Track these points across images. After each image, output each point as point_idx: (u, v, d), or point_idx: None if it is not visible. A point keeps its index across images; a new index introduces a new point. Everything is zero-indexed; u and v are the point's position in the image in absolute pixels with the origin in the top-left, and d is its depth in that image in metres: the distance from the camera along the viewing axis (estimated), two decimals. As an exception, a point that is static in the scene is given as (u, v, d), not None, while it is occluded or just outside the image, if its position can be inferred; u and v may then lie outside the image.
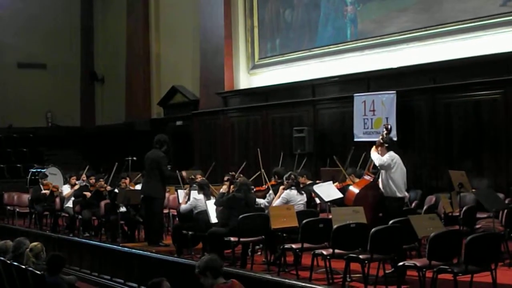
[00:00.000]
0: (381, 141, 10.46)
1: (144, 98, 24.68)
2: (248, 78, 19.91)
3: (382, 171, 10.35)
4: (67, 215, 16.14)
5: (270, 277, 9.22)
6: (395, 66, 15.15)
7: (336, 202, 11.38)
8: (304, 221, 9.83)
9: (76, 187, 15.98)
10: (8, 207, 18.43)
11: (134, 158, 16.75)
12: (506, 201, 11.82)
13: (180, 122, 22.45)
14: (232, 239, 10.68)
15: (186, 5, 22.66)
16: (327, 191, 11.57)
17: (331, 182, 12.15)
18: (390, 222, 9.11)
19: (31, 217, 17.50)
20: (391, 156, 10.26)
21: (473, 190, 11.37)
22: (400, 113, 14.45)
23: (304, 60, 17.97)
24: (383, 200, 10.36)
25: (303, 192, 11.55)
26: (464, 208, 10.68)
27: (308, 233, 9.74)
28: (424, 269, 8.18)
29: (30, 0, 26.68)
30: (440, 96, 14.28)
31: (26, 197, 18.02)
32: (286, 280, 8.89)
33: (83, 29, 28.75)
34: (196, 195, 12.31)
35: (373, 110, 14.92)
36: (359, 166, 12.90)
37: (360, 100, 15.24)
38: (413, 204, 12.95)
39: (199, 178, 13.38)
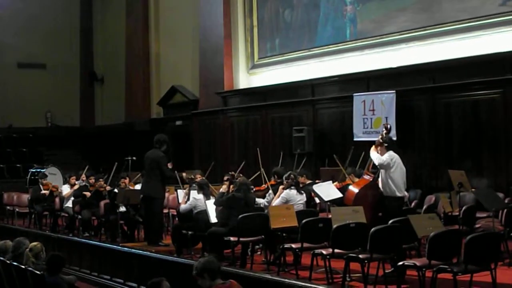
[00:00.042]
0: (381, 140, 10.45)
1: (143, 98, 24.68)
2: (247, 78, 19.91)
3: (382, 171, 10.35)
4: (66, 215, 16.13)
5: (270, 277, 9.22)
6: (394, 65, 15.16)
7: (335, 202, 11.38)
8: (304, 221, 9.83)
9: (76, 187, 15.97)
10: (8, 207, 18.44)
11: (134, 158, 16.77)
12: (506, 201, 11.82)
13: (179, 122, 22.45)
14: (231, 239, 10.67)
15: (186, 5, 22.66)
16: (327, 190, 11.57)
17: (330, 181, 12.15)
18: (390, 221, 9.10)
19: (31, 217, 17.50)
20: (390, 156, 10.26)
21: (473, 189, 11.36)
22: (400, 112, 14.46)
23: (303, 60, 17.97)
24: (382, 199, 10.35)
25: (302, 191, 11.55)
26: (463, 208, 10.69)
27: (307, 232, 9.74)
28: (423, 269, 8.17)
29: (30, 0, 26.68)
30: (439, 95, 14.28)
31: (25, 197, 18.03)
32: (286, 280, 8.89)
33: (83, 29, 28.76)
34: (196, 195, 12.31)
35: (373, 110, 14.92)
36: (358, 165, 12.91)
37: (360, 99, 15.25)
38: (413, 204, 12.95)
39: (198, 178, 13.40)
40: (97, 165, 20.24)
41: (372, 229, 8.65)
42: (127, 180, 15.13)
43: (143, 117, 24.33)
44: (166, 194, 14.61)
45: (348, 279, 9.22)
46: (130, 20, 25.44)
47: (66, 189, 16.35)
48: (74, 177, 16.47)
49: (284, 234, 10.50)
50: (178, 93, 22.46)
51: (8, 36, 25.79)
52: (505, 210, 10.70)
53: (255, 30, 19.55)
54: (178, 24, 23.11)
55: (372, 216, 10.03)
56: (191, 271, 6.53)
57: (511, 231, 10.43)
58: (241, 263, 10.88)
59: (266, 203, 11.93)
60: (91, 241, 14.02)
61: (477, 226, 11.14)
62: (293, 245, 9.95)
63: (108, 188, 15.35)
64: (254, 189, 12.66)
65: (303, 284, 8.56)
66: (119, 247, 12.78)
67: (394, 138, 12.62)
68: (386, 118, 14.44)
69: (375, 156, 10.37)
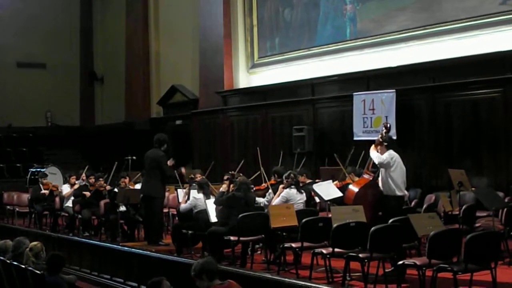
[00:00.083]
0: (380, 139, 10.45)
1: (143, 98, 24.69)
2: (247, 77, 19.91)
3: (382, 170, 10.35)
4: (66, 214, 16.12)
5: (270, 276, 9.22)
6: (394, 65, 15.16)
7: (335, 201, 11.37)
8: (304, 220, 9.82)
9: (76, 186, 15.97)
10: (8, 207, 18.44)
11: (134, 158, 16.78)
12: (506, 200, 11.82)
13: (179, 121, 22.45)
14: (231, 238, 10.67)
15: (185, 4, 22.66)
16: (327, 190, 11.57)
17: (330, 181, 12.15)
18: (390, 221, 9.10)
19: (31, 216, 17.50)
20: (390, 155, 10.26)
21: (473, 188, 11.37)
22: (400, 112, 14.46)
23: (303, 59, 17.97)
24: (382, 198, 10.35)
25: (302, 191, 11.55)
26: (463, 207, 10.69)
27: (307, 232, 9.74)
28: (423, 268, 8.17)
29: (30, 0, 26.67)
30: (439, 95, 14.28)
31: (25, 196, 18.02)
32: (286, 279, 8.89)
33: (83, 29, 28.76)
34: (196, 194, 12.30)
35: (373, 109, 14.93)
36: (358, 164, 12.91)
37: (360, 99, 15.25)
38: (413, 203, 12.95)
39: (198, 177, 13.40)
40: (97, 165, 20.24)
41: (372, 228, 8.65)
42: (127, 180, 15.14)
43: (143, 116, 24.33)
44: (166, 194, 14.61)
45: (348, 278, 9.22)
46: (130, 19, 25.44)
47: (66, 189, 16.34)
48: (74, 177, 16.47)
49: (284, 234, 10.49)
50: (178, 92, 22.47)
51: (8, 35, 25.76)
52: (505, 209, 10.69)
53: (255, 29, 19.55)
54: (178, 24, 23.12)
55: (372, 215, 10.04)
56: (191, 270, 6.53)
57: (511, 230, 10.42)
58: (241, 263, 10.88)
59: (266, 202, 11.93)
60: (91, 241, 14.02)
61: (477, 225, 11.13)
62: (293, 245, 9.95)
63: (108, 187, 15.35)
64: (254, 188, 12.66)
65: (303, 283, 8.57)
66: (119, 247, 12.78)
67: (394, 137, 12.61)
68: (386, 117, 14.44)
69: (375, 155, 10.37)
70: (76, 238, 14.62)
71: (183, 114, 22.06)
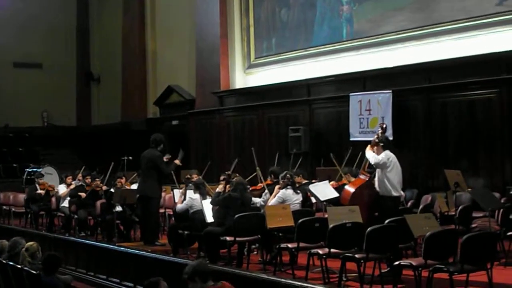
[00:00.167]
0: (376, 140, 10.46)
1: (140, 98, 24.69)
2: (244, 78, 19.91)
3: (378, 170, 10.36)
4: (63, 214, 16.11)
5: (266, 277, 9.19)
6: (390, 65, 15.16)
7: (332, 202, 11.37)
8: (300, 221, 9.83)
9: (72, 186, 15.96)
10: (4, 207, 18.42)
11: (130, 158, 16.76)
12: (502, 200, 11.80)
13: (176, 121, 22.46)
14: (228, 238, 10.67)
15: (182, 4, 22.65)
16: (323, 190, 11.56)
17: (327, 181, 12.15)
18: (386, 221, 9.11)
19: (27, 216, 17.48)
20: (386, 155, 10.27)
21: (469, 189, 11.37)
22: (396, 112, 14.47)
23: (300, 59, 17.97)
24: (378, 199, 10.36)
25: (299, 191, 11.56)
26: (460, 208, 10.69)
27: (304, 232, 9.74)
28: (420, 268, 8.18)
29: (26, 1, 26.64)
30: (435, 95, 14.29)
31: (22, 196, 17.99)
32: (282, 280, 8.86)
33: (79, 28, 28.78)
34: (192, 195, 12.31)
35: (369, 110, 14.93)
36: (355, 165, 12.91)
37: (356, 99, 15.25)
38: (409, 204, 12.96)
39: (195, 177, 13.39)
40: (93, 165, 20.20)
41: (368, 229, 8.65)
42: (123, 180, 15.14)
43: (140, 116, 24.32)
44: (163, 194, 14.61)
45: (344, 279, 9.23)
46: (126, 19, 25.43)
47: (62, 189, 16.33)
48: (70, 177, 16.46)
49: (280, 234, 10.50)
50: (175, 92, 22.47)
51: (4, 36, 25.73)
52: (501, 210, 10.71)
53: (252, 29, 19.55)
54: (174, 24, 23.11)
55: (368, 215, 10.05)
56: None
57: (507, 231, 10.42)
58: (237, 263, 10.88)
59: (262, 203, 11.94)
60: (87, 241, 13.98)
61: (473, 225, 11.15)
62: (289, 245, 9.96)
63: (104, 187, 15.34)
64: (250, 189, 12.66)
65: (299, 284, 8.54)
66: (115, 247, 12.74)
67: (390, 138, 12.64)
68: (383, 117, 14.45)
69: (371, 155, 10.38)
70: (72, 238, 14.57)
71: (179, 115, 22.06)
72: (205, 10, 20.57)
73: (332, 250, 9.09)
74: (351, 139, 15.15)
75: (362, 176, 10.88)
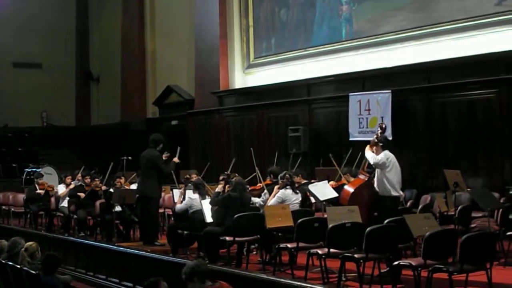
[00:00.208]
0: (376, 140, 10.46)
1: (139, 98, 24.68)
2: (243, 78, 19.91)
3: (377, 170, 10.36)
4: (62, 214, 16.10)
5: (265, 277, 9.20)
6: (390, 65, 15.16)
7: (331, 201, 11.37)
8: (299, 221, 9.83)
9: (71, 186, 15.95)
10: (3, 207, 18.39)
11: (129, 158, 16.75)
12: (501, 200, 11.81)
13: (175, 121, 22.46)
14: (227, 238, 10.67)
15: (181, 5, 22.65)
16: (323, 190, 11.56)
17: (326, 181, 12.15)
18: (385, 221, 9.11)
19: (26, 216, 17.47)
20: (386, 155, 10.27)
21: (468, 189, 11.38)
22: (395, 112, 14.47)
23: (299, 59, 17.97)
24: (378, 199, 10.36)
25: (298, 191, 11.56)
26: (459, 208, 10.69)
27: (303, 232, 9.74)
28: (419, 268, 8.19)
29: (26, 1, 26.62)
30: (435, 95, 14.29)
31: (21, 196, 17.97)
32: (281, 280, 8.87)
33: (79, 28, 28.75)
34: (191, 195, 12.30)
35: (368, 110, 14.93)
36: (354, 165, 12.90)
37: (355, 99, 15.25)
38: (408, 204, 12.97)
39: (194, 177, 13.38)
40: (92, 165, 20.20)
41: (368, 229, 8.65)
42: (122, 180, 15.13)
43: (139, 116, 24.32)
44: (162, 194, 14.60)
45: (343, 279, 9.23)
46: (125, 19, 25.42)
47: (61, 189, 16.33)
48: (69, 177, 16.45)
49: (279, 234, 10.49)
50: (174, 92, 22.47)
51: (4, 35, 25.71)
52: (501, 210, 10.72)
53: (251, 29, 19.54)
54: (174, 24, 23.11)
55: (367, 215, 10.04)
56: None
57: (507, 230, 10.43)
58: (236, 263, 10.87)
59: (262, 203, 11.93)
60: (86, 241, 13.98)
61: (472, 225, 11.14)
62: (289, 245, 9.95)
63: (103, 187, 15.33)
64: (249, 189, 12.65)
65: (298, 283, 8.55)
66: (115, 247, 12.74)
67: (390, 138, 12.63)
68: (382, 117, 14.45)
69: (370, 155, 10.38)
70: (72, 238, 14.57)
71: (179, 115, 22.06)
72: (205, 11, 20.56)
73: (332, 250, 9.08)
74: (351, 139, 15.15)
75: (361, 176, 10.87)
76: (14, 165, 24.27)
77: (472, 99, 13.57)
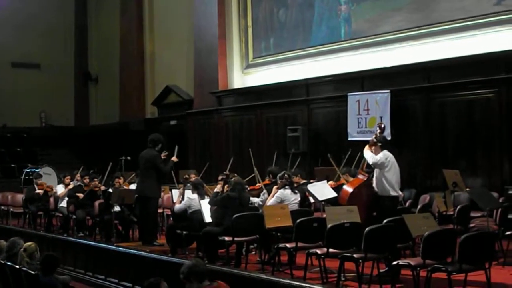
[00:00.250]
0: (374, 140, 10.46)
1: (138, 98, 24.67)
2: (242, 78, 19.91)
3: (376, 170, 10.36)
4: (61, 215, 16.09)
5: (264, 277, 9.20)
6: (389, 65, 15.17)
7: (330, 201, 11.37)
8: (298, 221, 9.82)
9: (70, 186, 15.95)
10: (2, 207, 18.38)
11: (128, 158, 16.75)
12: (500, 200, 11.83)
13: (174, 121, 22.45)
14: (226, 238, 10.66)
15: (180, 5, 22.64)
16: (321, 190, 11.56)
17: (325, 181, 12.14)
18: (384, 221, 9.10)
19: (25, 217, 17.46)
20: (385, 155, 10.27)
21: (467, 189, 11.38)
22: (394, 112, 14.47)
23: (298, 59, 17.97)
24: (377, 199, 10.35)
25: (297, 191, 11.55)
26: (458, 207, 10.71)
27: (302, 232, 9.73)
28: (418, 268, 8.19)
29: (24, 0, 26.60)
30: (434, 95, 14.30)
31: (20, 197, 17.97)
32: (281, 280, 8.87)
33: (77, 28, 28.72)
34: (190, 195, 12.30)
35: (367, 109, 14.93)
36: (353, 165, 12.89)
37: (354, 99, 15.25)
38: (407, 203, 12.98)
39: (193, 177, 13.38)
40: (91, 165, 20.23)
41: (367, 229, 8.65)
42: (121, 180, 15.14)
43: (138, 116, 24.31)
44: (161, 194, 14.59)
45: (342, 279, 9.22)
46: (124, 19, 25.41)
47: (60, 189, 16.32)
48: (68, 177, 16.45)
49: (278, 234, 10.50)
50: (173, 93, 22.46)
51: (2, 35, 25.69)
52: (500, 210, 10.73)
53: (250, 30, 19.54)
54: (172, 24, 23.10)
55: (366, 215, 10.03)
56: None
57: (505, 230, 10.44)
58: (235, 263, 10.86)
59: (261, 203, 11.92)
60: (85, 241, 13.98)
61: (471, 225, 11.15)
62: (288, 245, 9.94)
63: (102, 188, 15.33)
64: (248, 189, 12.65)
65: (297, 283, 8.55)
66: (114, 247, 12.75)
67: (389, 138, 12.63)
68: (381, 117, 14.45)
69: (369, 155, 10.38)
70: (71, 238, 14.57)
71: (177, 115, 22.06)
72: (203, 11, 20.56)
73: (331, 250, 9.07)
74: (349, 139, 15.15)
75: (360, 176, 10.87)
76: (13, 165, 24.26)
77: (471, 99, 13.58)
